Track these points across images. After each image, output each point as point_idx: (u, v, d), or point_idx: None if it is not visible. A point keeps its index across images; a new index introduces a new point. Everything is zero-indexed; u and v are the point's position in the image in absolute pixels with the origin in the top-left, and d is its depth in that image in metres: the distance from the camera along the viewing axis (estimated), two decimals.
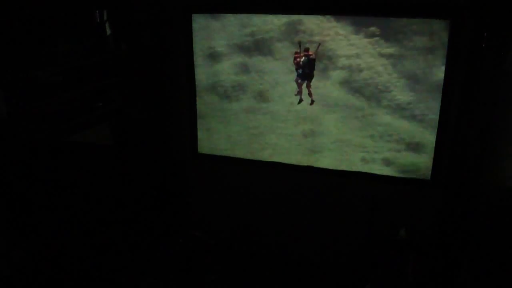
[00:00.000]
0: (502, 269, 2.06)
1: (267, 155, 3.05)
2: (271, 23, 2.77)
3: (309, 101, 2.86)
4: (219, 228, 3.35)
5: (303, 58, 2.78)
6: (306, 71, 2.80)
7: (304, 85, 2.84)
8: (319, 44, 2.72)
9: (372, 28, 2.56)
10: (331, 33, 2.64)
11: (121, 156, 3.20)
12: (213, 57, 2.96)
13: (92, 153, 2.99)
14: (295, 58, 2.80)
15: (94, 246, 2.84)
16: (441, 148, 2.70)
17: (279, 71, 2.84)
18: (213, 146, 3.17)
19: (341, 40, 2.63)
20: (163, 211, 3.38)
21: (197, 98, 3.11)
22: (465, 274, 2.50)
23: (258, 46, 2.84)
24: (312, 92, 2.84)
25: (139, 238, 3.16)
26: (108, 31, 2.96)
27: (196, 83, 3.07)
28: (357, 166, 2.87)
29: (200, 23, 2.94)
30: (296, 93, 2.87)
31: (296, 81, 2.85)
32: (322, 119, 2.84)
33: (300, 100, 2.88)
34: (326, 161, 2.93)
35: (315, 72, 2.77)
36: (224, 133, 3.11)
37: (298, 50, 2.78)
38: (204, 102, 3.10)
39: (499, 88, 2.45)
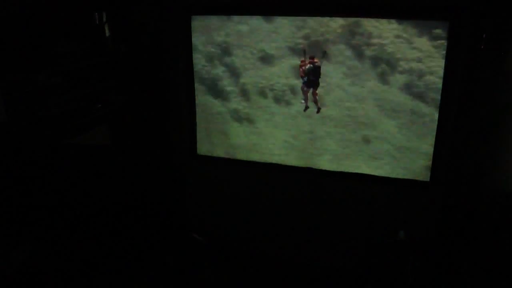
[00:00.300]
0: (501, 270, 2.05)
1: (325, 161, 2.96)
2: (327, 26, 2.68)
3: (316, 109, 2.85)
4: (218, 229, 3.34)
5: (308, 65, 2.77)
6: (311, 78, 2.78)
7: (310, 92, 2.82)
8: (325, 52, 2.70)
9: (437, 31, 2.51)
10: (390, 36, 2.58)
11: (120, 157, 3.20)
12: (264, 60, 2.86)
13: (92, 154, 2.99)
14: (300, 66, 2.79)
15: (93, 247, 2.84)
16: (441, 149, 2.69)
17: (334, 75, 2.75)
18: (265, 152, 3.07)
19: (402, 43, 2.57)
20: (162, 212, 3.38)
21: (246, 102, 2.99)
22: (465, 276, 2.49)
23: (312, 49, 2.74)
24: (318, 99, 2.81)
25: (137, 239, 3.16)
26: (107, 33, 2.96)
27: (245, 87, 2.96)
28: (421, 174, 2.78)
29: (251, 25, 2.84)
30: (302, 100, 2.85)
31: (302, 88, 2.83)
32: (384, 124, 2.76)
33: (306, 108, 2.86)
34: (387, 168, 2.84)
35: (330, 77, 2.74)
36: (278, 138, 3.01)
37: (303, 58, 2.76)
38: (254, 106, 2.99)
39: (498, 88, 2.44)
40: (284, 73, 2.85)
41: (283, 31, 2.78)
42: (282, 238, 3.21)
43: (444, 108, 2.63)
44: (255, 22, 2.83)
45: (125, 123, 3.19)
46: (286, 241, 3.20)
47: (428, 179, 2.78)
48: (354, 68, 2.71)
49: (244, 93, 2.99)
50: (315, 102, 2.84)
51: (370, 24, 2.61)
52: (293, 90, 2.87)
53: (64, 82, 2.67)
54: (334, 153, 2.92)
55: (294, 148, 3.00)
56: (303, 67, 2.79)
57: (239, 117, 3.06)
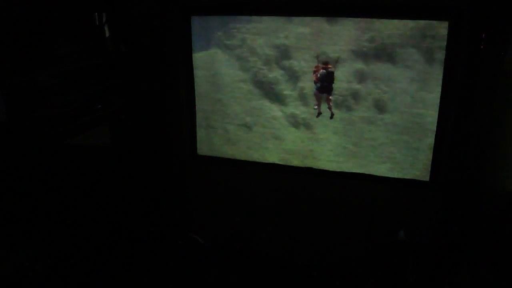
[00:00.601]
0: (501, 270, 2.05)
1: (385, 169, 2.86)
2: (395, 28, 2.57)
3: (329, 115, 2.83)
4: (218, 230, 3.34)
5: (321, 71, 2.74)
6: (324, 84, 2.75)
7: (324, 98, 2.79)
8: (338, 57, 2.68)
9: None
10: None
11: (120, 158, 3.20)
12: (326, 63, 2.75)
13: (92, 155, 2.99)
14: (314, 72, 2.75)
15: (93, 248, 2.84)
16: (440, 149, 2.69)
17: (400, 80, 2.65)
18: (321, 158, 2.98)
19: None
20: (162, 213, 3.38)
21: (304, 106, 2.89)
22: (464, 276, 2.49)
23: (378, 52, 2.64)
24: (332, 105, 2.79)
25: (138, 240, 3.16)
26: (107, 33, 2.96)
27: (304, 91, 2.86)
28: None
29: (313, 27, 2.72)
30: (315, 106, 2.84)
31: (315, 94, 2.80)
32: None
33: (319, 114, 2.84)
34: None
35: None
36: (337, 144, 2.91)
37: (317, 63, 2.74)
38: (312, 111, 2.89)
39: (498, 88, 2.44)
40: (346, 77, 2.74)
41: (346, 33, 2.66)
42: (282, 238, 3.21)
43: (444, 108, 2.63)
44: (317, 24, 2.71)
45: (125, 124, 3.19)
46: (286, 241, 3.20)
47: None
48: (423, 73, 2.59)
49: (303, 98, 2.88)
50: (329, 108, 2.81)
51: (443, 26, 2.48)
52: (355, 95, 2.75)
53: (64, 83, 2.67)
54: (395, 161, 2.81)
55: (353, 155, 2.90)
56: (317, 73, 2.76)
57: (296, 122, 2.97)
